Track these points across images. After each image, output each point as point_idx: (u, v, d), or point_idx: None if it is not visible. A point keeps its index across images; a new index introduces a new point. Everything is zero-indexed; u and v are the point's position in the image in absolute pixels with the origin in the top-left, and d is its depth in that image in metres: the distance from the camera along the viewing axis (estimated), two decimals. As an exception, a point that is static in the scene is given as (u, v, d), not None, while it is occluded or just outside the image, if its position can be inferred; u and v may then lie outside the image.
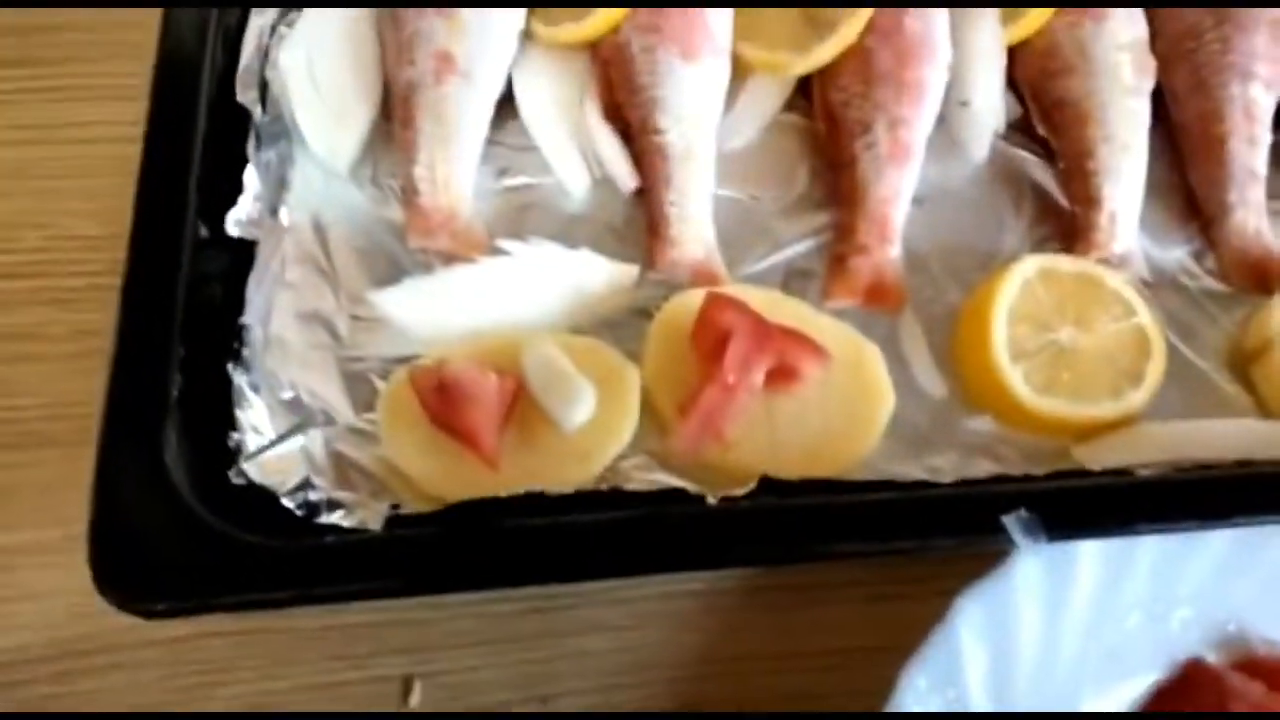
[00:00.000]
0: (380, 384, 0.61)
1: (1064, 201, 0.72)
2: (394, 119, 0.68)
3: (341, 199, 0.68)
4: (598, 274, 0.65)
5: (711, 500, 0.53)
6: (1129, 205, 0.70)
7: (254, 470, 0.53)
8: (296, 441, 0.56)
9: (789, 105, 0.75)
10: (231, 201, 0.61)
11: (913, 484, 0.56)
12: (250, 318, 0.59)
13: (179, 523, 0.49)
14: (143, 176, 0.59)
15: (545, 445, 0.57)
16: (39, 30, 0.76)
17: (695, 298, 0.62)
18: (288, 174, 0.66)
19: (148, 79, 0.65)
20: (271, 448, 0.55)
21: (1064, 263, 0.67)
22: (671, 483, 0.58)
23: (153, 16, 0.69)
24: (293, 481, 0.54)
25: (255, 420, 0.56)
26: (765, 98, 0.74)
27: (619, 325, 0.65)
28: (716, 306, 0.59)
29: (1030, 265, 0.66)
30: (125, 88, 0.71)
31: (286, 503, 0.53)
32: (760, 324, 0.58)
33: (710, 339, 0.59)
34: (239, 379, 0.57)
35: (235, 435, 0.56)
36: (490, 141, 0.70)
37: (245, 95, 0.65)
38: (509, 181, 0.71)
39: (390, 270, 0.66)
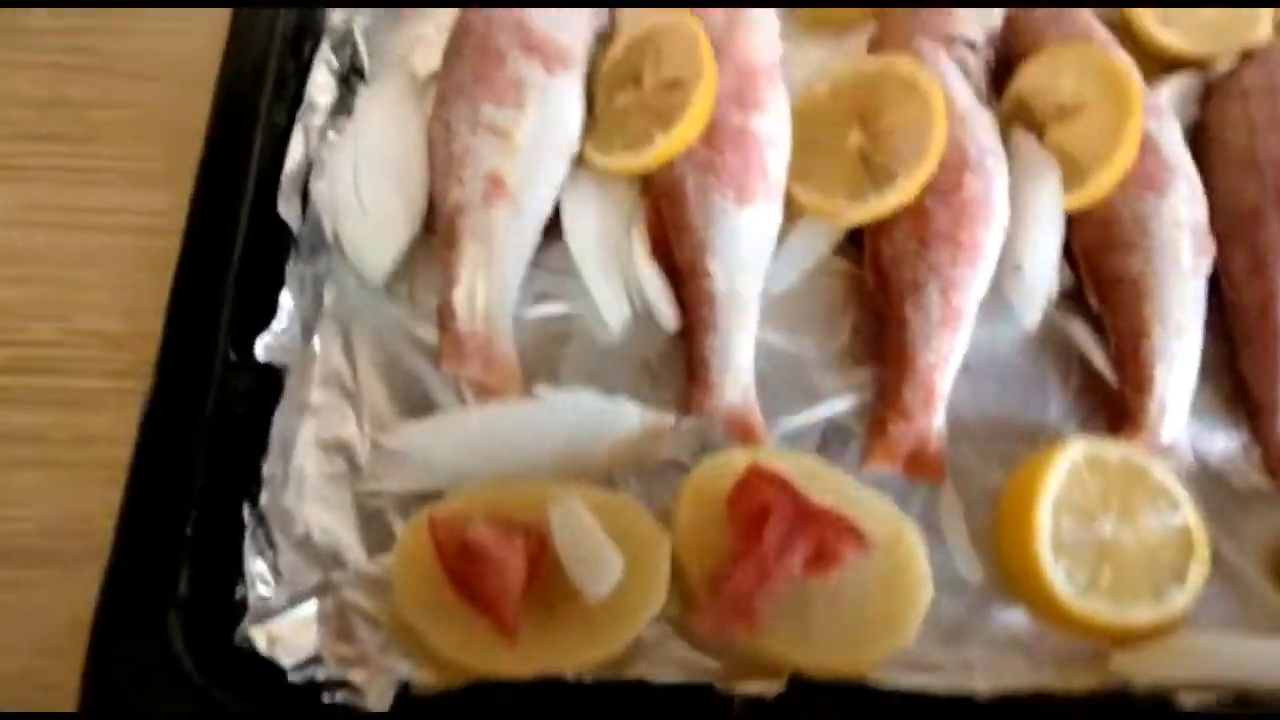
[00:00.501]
0: (398, 523, 0.58)
1: (1113, 378, 0.70)
2: (437, 236, 0.66)
3: (374, 314, 0.65)
4: (632, 422, 0.62)
5: (737, 701, 0.50)
6: (1180, 392, 0.68)
7: (260, 638, 0.50)
8: (305, 608, 0.53)
9: (837, 249, 0.72)
10: (264, 323, 0.58)
11: (949, 700, 0.53)
12: (272, 454, 0.56)
13: (177, 692, 0.46)
14: (175, 297, 0.56)
15: (567, 614, 0.54)
16: (67, 105, 0.72)
17: (731, 460, 0.60)
18: (324, 291, 0.63)
19: (179, 163, 0.63)
20: (279, 614, 0.52)
21: (1110, 449, 0.65)
22: (693, 661, 0.55)
23: (188, 97, 0.66)
24: (297, 657, 0.51)
25: (265, 573, 0.53)
26: (814, 242, 0.72)
27: (651, 476, 0.63)
28: (757, 481, 0.56)
29: (1078, 451, 0.64)
30: (155, 173, 0.68)
31: (291, 677, 0.50)
32: (801, 504, 0.56)
33: (748, 513, 0.56)
34: (253, 523, 0.54)
35: (242, 588, 0.52)
36: (530, 264, 0.68)
37: (287, 208, 0.63)
38: (547, 309, 0.68)
39: (417, 394, 0.63)
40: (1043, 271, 0.70)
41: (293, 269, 0.62)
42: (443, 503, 0.57)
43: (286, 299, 0.60)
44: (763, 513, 0.56)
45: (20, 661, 0.55)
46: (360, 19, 0.75)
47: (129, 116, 0.73)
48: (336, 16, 0.73)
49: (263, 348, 0.58)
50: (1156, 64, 0.81)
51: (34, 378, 0.63)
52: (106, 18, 0.75)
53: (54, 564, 0.57)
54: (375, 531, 0.58)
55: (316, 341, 0.63)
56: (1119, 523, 0.63)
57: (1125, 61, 0.75)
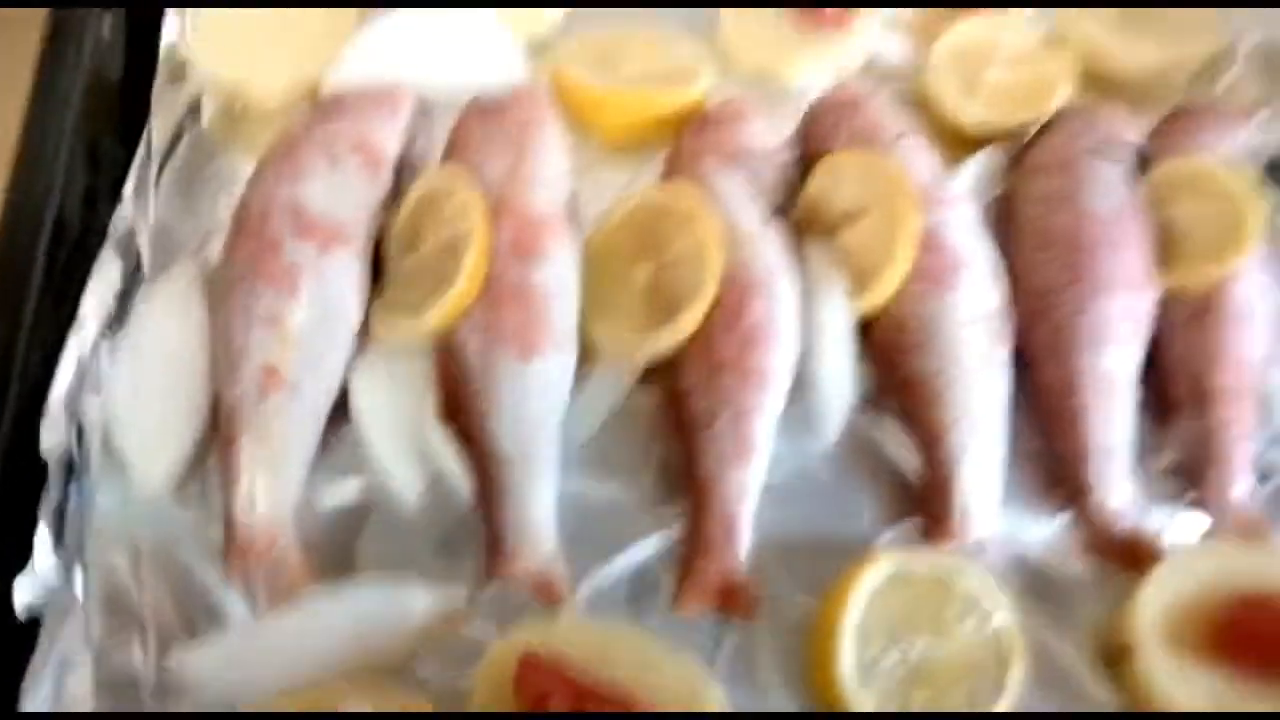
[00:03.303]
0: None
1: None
2: (218, 437, 0.66)
3: (162, 525, 0.64)
4: (421, 605, 0.61)
5: None
6: (983, 489, 0.67)
7: None
8: None
9: (642, 381, 0.71)
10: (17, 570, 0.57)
11: None
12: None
13: None
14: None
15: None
16: None
17: (520, 641, 0.59)
18: (85, 529, 0.62)
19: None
20: None
21: (917, 561, 0.64)
22: None
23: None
24: None
25: None
26: (613, 383, 0.71)
27: (457, 657, 0.61)
28: (531, 670, 0.56)
29: (881, 569, 0.63)
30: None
31: None
32: (579, 688, 0.55)
33: (531, 705, 0.56)
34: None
35: None
36: (329, 438, 0.67)
37: (50, 438, 0.62)
38: (342, 489, 0.67)
39: (208, 608, 0.62)
40: (836, 384, 0.70)
41: (49, 504, 0.61)
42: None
43: (44, 538, 0.60)
44: (543, 702, 0.55)
45: None
46: (151, 214, 0.75)
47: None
48: (122, 212, 0.73)
49: (20, 604, 0.57)
50: (969, 141, 0.81)
51: None
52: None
53: None
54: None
55: (80, 576, 0.61)
56: (932, 639, 0.62)
57: (905, 160, 0.74)
